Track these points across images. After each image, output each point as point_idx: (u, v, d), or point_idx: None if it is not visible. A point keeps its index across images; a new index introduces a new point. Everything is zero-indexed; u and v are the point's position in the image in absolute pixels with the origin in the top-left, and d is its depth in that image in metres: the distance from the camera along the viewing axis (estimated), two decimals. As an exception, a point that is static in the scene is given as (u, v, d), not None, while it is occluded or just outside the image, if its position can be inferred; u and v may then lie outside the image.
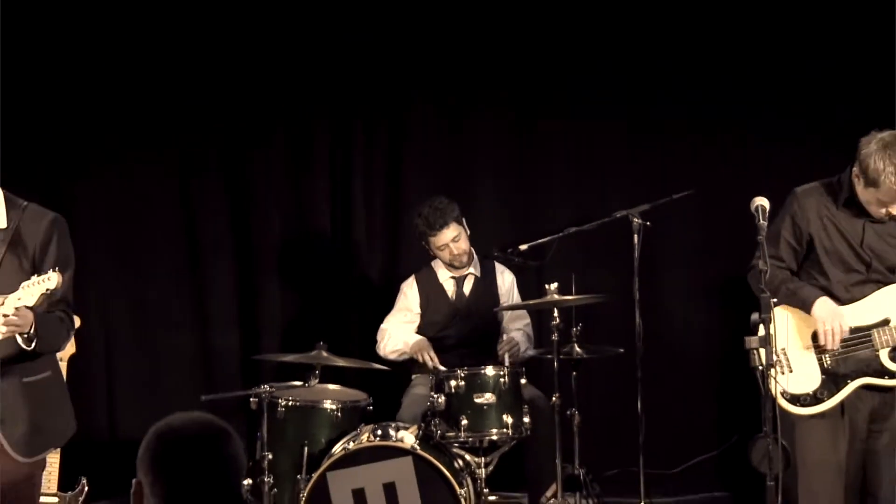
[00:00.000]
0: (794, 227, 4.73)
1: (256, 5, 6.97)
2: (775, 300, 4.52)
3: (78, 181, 6.99)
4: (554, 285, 5.50)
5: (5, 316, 4.04)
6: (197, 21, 6.92)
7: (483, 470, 5.40)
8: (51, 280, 4.06)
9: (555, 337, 5.49)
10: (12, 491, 4.22)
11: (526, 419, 5.42)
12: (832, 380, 4.70)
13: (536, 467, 5.80)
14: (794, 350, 4.73)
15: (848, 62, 6.89)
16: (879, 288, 4.70)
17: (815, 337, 4.71)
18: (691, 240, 6.98)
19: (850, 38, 6.86)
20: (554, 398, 5.49)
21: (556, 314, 5.50)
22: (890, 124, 4.64)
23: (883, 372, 4.66)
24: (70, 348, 5.24)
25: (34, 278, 4.07)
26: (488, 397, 5.36)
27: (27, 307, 4.07)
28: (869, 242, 4.68)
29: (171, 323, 6.92)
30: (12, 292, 4.22)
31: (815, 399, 4.70)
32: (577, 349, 5.62)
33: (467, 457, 5.46)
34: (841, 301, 4.70)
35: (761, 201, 4.55)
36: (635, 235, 5.95)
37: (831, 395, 4.69)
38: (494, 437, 5.39)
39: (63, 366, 5.41)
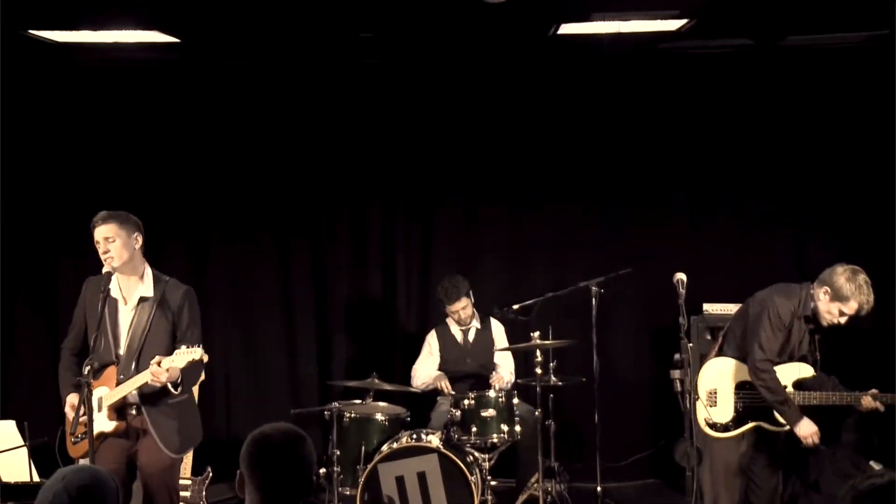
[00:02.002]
0: (780, 322, 4.50)
1: (334, 145, 6.95)
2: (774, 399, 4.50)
3: (209, 258, 6.98)
4: (537, 333, 5.47)
5: (167, 371, 4.11)
6: (293, 152, 6.96)
7: (487, 463, 5.37)
8: (196, 353, 4.11)
9: (538, 370, 5.43)
10: (159, 474, 4.33)
11: (517, 427, 5.37)
12: (740, 418, 4.66)
13: (524, 461, 5.72)
14: (721, 391, 4.68)
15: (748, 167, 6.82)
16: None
17: (738, 386, 4.65)
18: (631, 302, 6.84)
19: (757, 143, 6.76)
20: (537, 412, 5.43)
21: (538, 354, 5.43)
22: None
23: (774, 422, 4.64)
24: (201, 377, 5.17)
25: (183, 349, 4.13)
26: (491, 412, 5.34)
27: (178, 367, 4.13)
28: (802, 344, 4.59)
29: (271, 357, 6.85)
30: (160, 345, 4.29)
31: (724, 428, 4.68)
32: (553, 378, 5.55)
33: (476, 454, 5.41)
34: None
35: (681, 276, 4.55)
36: (593, 299, 5.83)
37: (736, 427, 4.68)
38: (495, 440, 5.34)
39: (196, 389, 5.33)
